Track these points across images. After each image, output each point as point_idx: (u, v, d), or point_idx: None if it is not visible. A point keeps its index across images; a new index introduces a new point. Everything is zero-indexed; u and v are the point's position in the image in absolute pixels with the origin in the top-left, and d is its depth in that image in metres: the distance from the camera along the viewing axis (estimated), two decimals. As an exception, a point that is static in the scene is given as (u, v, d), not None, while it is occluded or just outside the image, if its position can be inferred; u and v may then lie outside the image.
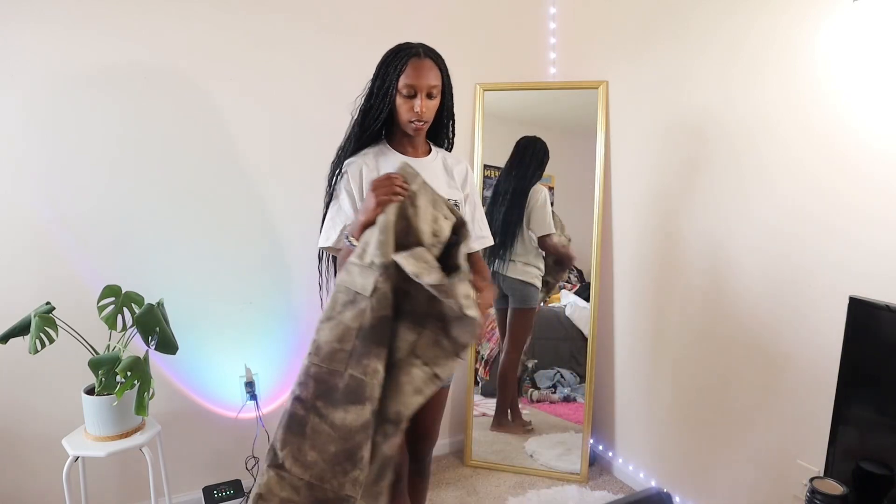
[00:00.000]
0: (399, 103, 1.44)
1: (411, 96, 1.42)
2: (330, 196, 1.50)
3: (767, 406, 1.82)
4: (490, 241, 1.64)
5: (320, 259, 1.60)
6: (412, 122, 1.45)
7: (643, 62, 2.21)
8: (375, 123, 1.48)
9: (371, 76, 1.49)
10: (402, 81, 1.41)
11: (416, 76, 1.41)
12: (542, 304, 2.63)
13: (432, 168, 1.53)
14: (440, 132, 1.59)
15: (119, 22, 1.94)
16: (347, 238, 1.40)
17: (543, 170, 2.50)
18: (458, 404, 2.69)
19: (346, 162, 1.49)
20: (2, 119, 1.84)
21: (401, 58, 1.42)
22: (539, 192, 2.48)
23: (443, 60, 1.47)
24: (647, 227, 2.27)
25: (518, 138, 2.52)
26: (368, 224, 1.31)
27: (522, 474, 2.50)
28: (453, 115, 1.58)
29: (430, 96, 1.44)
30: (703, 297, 2.04)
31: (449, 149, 1.63)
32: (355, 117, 1.51)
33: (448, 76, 1.49)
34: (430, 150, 1.57)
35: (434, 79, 1.44)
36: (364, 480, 1.24)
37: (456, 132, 1.62)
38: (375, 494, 1.28)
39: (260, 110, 2.17)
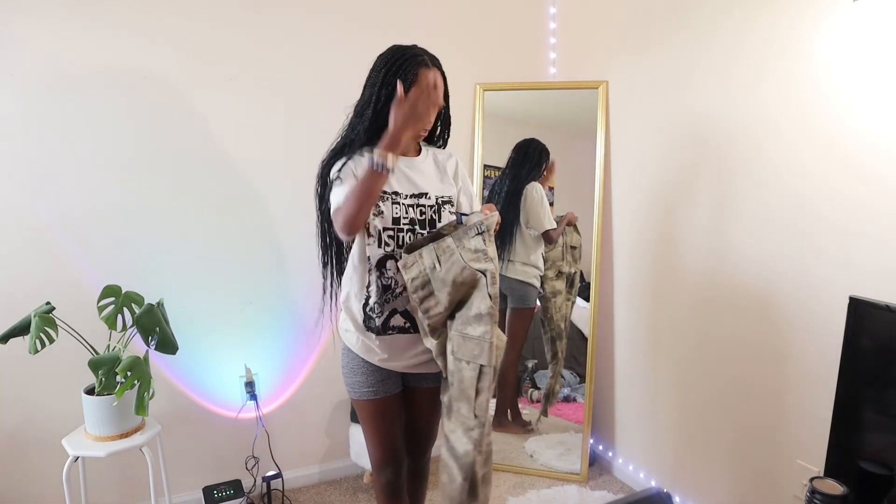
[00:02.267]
0: None
1: None
2: (324, 190, 1.47)
3: (767, 406, 1.82)
4: None
5: (325, 244, 1.57)
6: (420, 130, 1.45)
7: (643, 62, 2.21)
8: (379, 127, 1.44)
9: (368, 80, 1.45)
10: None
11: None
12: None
13: (424, 167, 1.52)
14: (432, 134, 1.58)
15: (119, 21, 1.94)
16: (374, 159, 1.33)
17: (540, 169, 2.50)
18: (458, 404, 2.69)
19: (343, 161, 1.45)
20: (1, 118, 1.84)
21: (409, 66, 1.39)
22: (533, 190, 2.48)
23: (441, 65, 1.46)
24: (647, 227, 2.27)
25: (517, 138, 2.52)
26: (401, 136, 1.33)
27: (522, 474, 2.50)
28: (449, 118, 1.58)
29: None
30: (703, 297, 2.04)
31: (442, 147, 1.63)
32: (359, 124, 1.46)
33: (447, 82, 1.48)
34: (419, 150, 1.56)
35: (440, 88, 1.44)
36: None
37: (451, 134, 1.61)
38: None
39: (261, 110, 2.17)
